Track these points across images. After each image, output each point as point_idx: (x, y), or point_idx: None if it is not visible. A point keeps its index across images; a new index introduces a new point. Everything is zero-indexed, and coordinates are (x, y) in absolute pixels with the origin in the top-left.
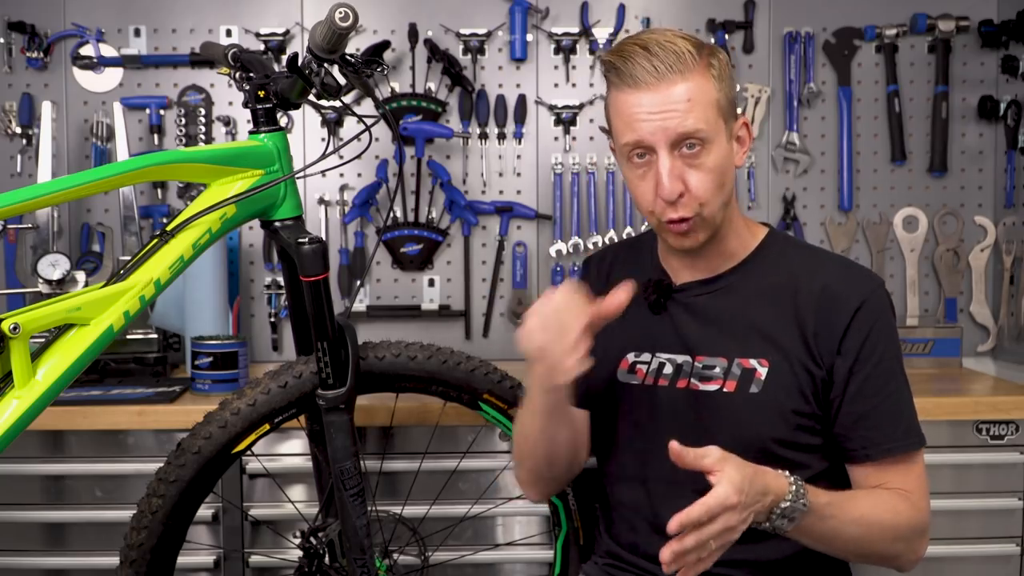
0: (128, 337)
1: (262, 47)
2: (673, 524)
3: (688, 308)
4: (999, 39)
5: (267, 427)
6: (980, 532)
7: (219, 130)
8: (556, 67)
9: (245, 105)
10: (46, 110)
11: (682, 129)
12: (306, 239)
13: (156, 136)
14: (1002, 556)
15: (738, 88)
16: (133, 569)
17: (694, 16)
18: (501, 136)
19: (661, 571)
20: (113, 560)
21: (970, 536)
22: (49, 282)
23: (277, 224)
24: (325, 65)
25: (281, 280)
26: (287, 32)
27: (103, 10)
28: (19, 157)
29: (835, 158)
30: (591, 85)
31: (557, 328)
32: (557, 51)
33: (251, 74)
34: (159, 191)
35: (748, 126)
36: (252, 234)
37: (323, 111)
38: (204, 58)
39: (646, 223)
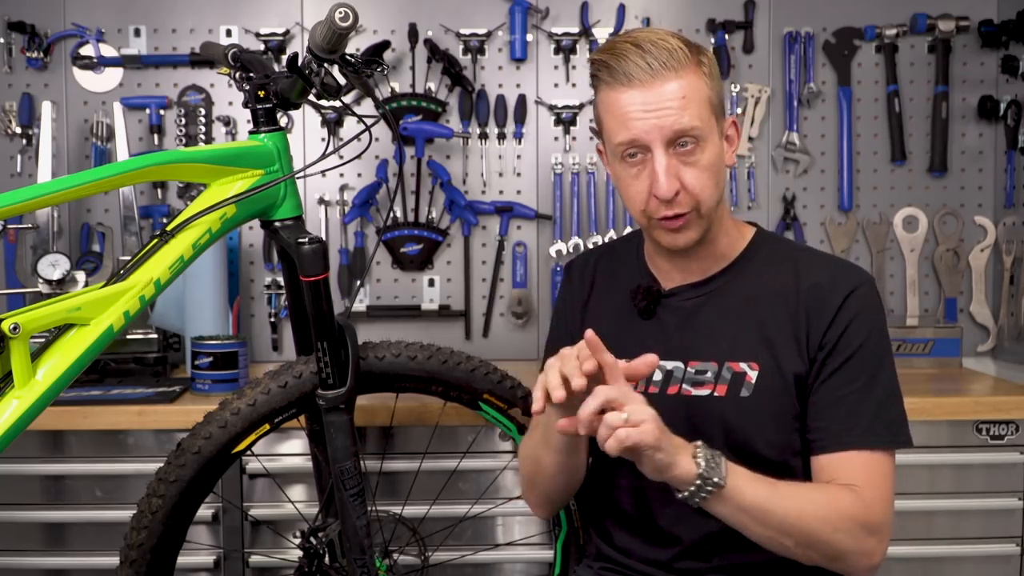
0: (128, 337)
1: (262, 47)
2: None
3: (678, 313)
4: (999, 39)
5: (267, 427)
6: (980, 532)
7: (219, 130)
8: (556, 67)
9: (245, 105)
10: (46, 110)
11: (678, 127)
12: (306, 239)
13: (156, 136)
14: (1002, 556)
15: (738, 88)
16: (133, 569)
17: (694, 16)
18: (501, 136)
19: (657, 573)
20: (113, 560)
21: (970, 536)
22: (49, 282)
23: (277, 224)
24: (325, 65)
25: (281, 280)
26: (287, 32)
27: (103, 10)
28: (19, 157)
29: (835, 158)
30: (591, 85)
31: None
32: (557, 51)
33: (251, 74)
34: (159, 191)
35: (736, 125)
36: (252, 234)
37: (323, 111)
38: (204, 58)
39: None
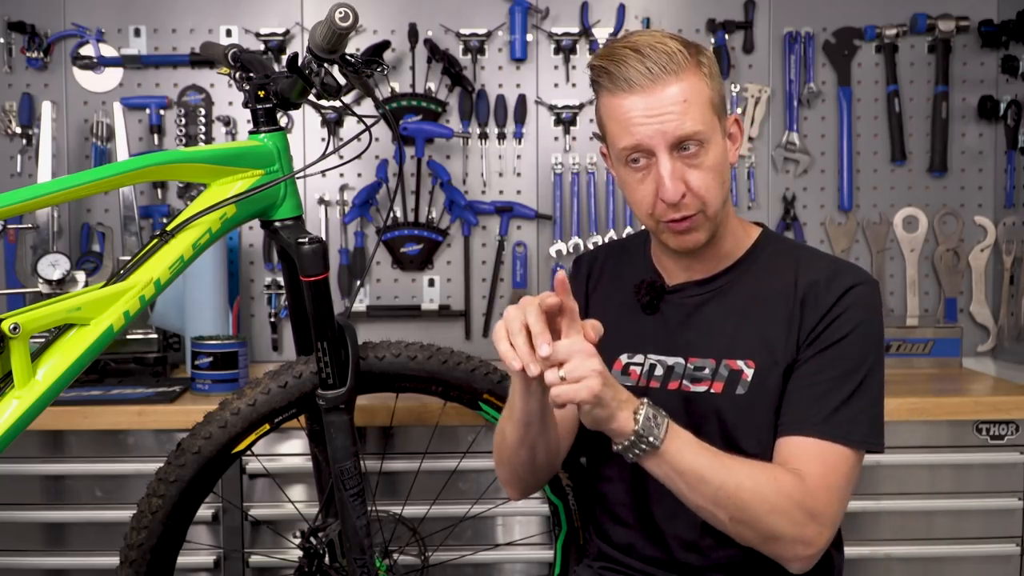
0: (128, 337)
1: (262, 47)
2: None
3: (680, 309)
4: (999, 39)
5: (267, 427)
6: (980, 532)
7: (219, 130)
8: (556, 67)
9: (245, 105)
10: (46, 110)
11: (680, 132)
12: (306, 239)
13: (156, 136)
14: (1002, 556)
15: (738, 88)
16: (133, 569)
17: (694, 16)
18: (501, 136)
19: (656, 571)
20: (113, 560)
21: (970, 536)
22: (49, 282)
23: (277, 224)
24: (325, 65)
25: (281, 280)
26: (287, 32)
27: (103, 10)
28: (19, 157)
29: (835, 158)
30: (592, 89)
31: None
32: (557, 51)
33: (251, 74)
34: (159, 191)
35: (739, 123)
36: (252, 234)
37: (323, 111)
38: (204, 58)
39: (628, 227)
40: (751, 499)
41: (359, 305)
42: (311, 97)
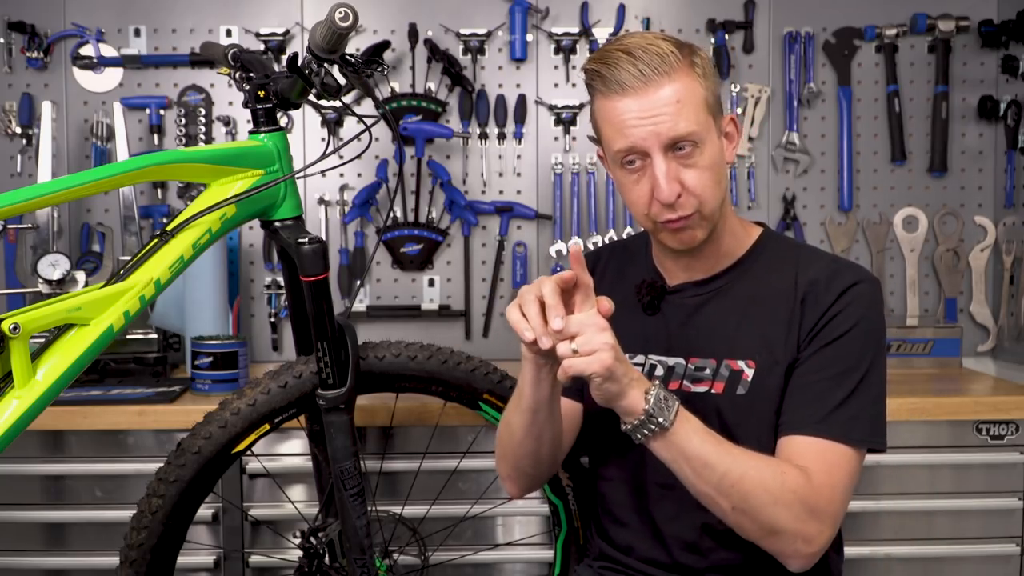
0: (128, 337)
1: (262, 47)
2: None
3: (681, 309)
4: (999, 39)
5: (267, 427)
6: (980, 532)
7: (219, 130)
8: (556, 67)
9: (245, 105)
10: (46, 110)
11: (674, 133)
12: (306, 239)
13: (156, 136)
14: (1002, 556)
15: (738, 88)
16: (133, 569)
17: (694, 16)
18: (501, 136)
19: (656, 571)
20: (113, 560)
21: (970, 536)
22: (49, 282)
23: (277, 224)
24: (325, 65)
25: (281, 280)
26: (287, 32)
27: (103, 10)
28: (19, 157)
29: (835, 158)
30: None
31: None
32: (557, 51)
33: (251, 74)
34: (159, 191)
35: (735, 122)
36: (252, 234)
37: (323, 111)
38: (204, 58)
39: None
40: (754, 489)
41: (359, 305)
42: (311, 97)
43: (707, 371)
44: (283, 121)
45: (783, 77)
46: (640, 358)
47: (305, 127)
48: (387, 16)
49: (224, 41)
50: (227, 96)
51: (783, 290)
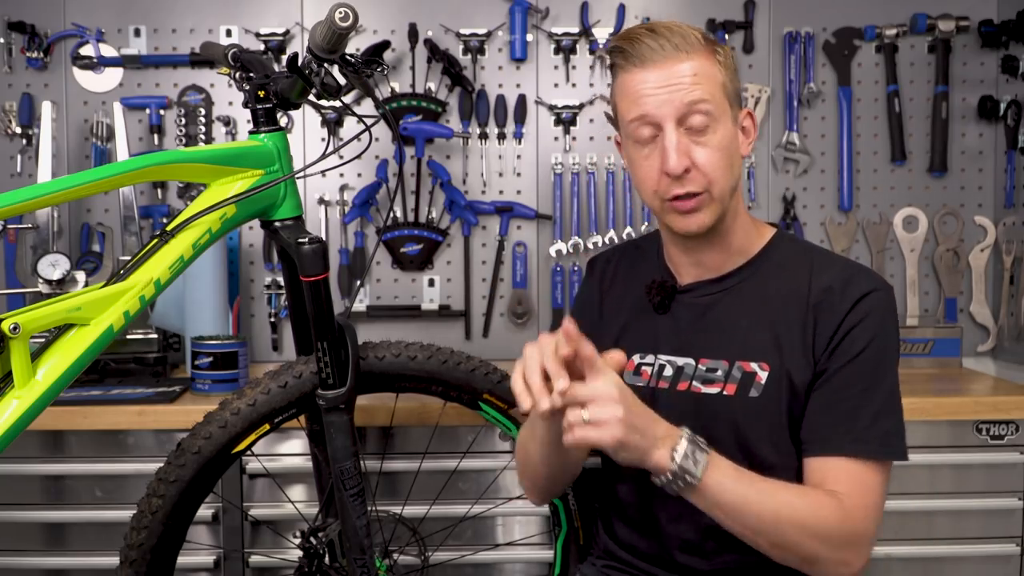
0: (128, 337)
1: (262, 47)
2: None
3: (692, 309)
4: (999, 39)
5: (267, 427)
6: (980, 532)
7: (219, 130)
8: (556, 67)
9: (245, 105)
10: (46, 110)
11: (688, 99)
12: (306, 239)
13: (156, 136)
14: (1002, 556)
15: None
16: (133, 569)
17: (694, 16)
18: (501, 136)
19: (659, 571)
20: (113, 560)
21: (970, 536)
22: (49, 282)
23: (277, 224)
24: (325, 65)
25: (281, 280)
26: (287, 32)
27: (103, 10)
28: (19, 157)
29: (835, 158)
30: (591, 85)
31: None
32: (557, 51)
33: (251, 74)
34: (159, 191)
35: (752, 117)
36: (252, 234)
37: (323, 111)
38: (204, 58)
39: (646, 225)
40: (790, 526)
41: (359, 305)
42: (311, 97)
43: (719, 372)
44: (283, 121)
45: (783, 77)
46: (650, 358)
47: (305, 127)
48: (387, 16)
49: (224, 41)
50: (227, 96)
51: (796, 292)
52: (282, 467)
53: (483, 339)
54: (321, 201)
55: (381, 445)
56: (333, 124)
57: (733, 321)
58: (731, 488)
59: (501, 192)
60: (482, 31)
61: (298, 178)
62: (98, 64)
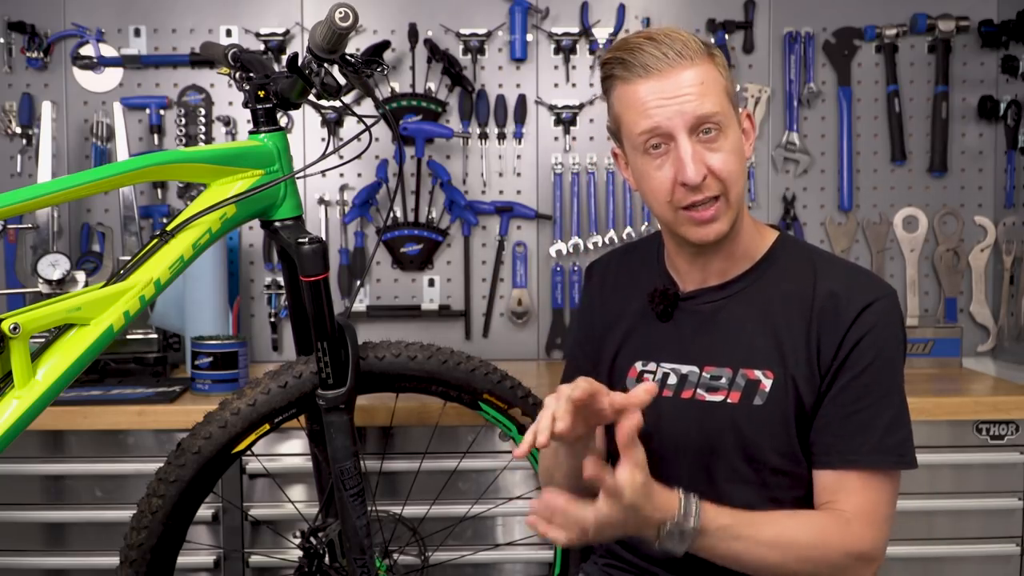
0: (128, 337)
1: (262, 47)
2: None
3: (695, 316)
4: (999, 39)
5: (267, 427)
6: (980, 532)
7: (219, 130)
8: (556, 67)
9: (245, 105)
10: (46, 110)
11: (700, 112)
12: (306, 239)
13: (156, 136)
14: (1002, 556)
15: (738, 88)
16: (133, 569)
17: (694, 16)
18: (501, 136)
19: (661, 571)
20: (113, 560)
21: (970, 536)
22: (49, 282)
23: (277, 224)
24: (325, 65)
25: (281, 280)
26: (287, 32)
27: (103, 10)
28: (19, 157)
29: (835, 158)
30: (591, 85)
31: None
32: (557, 51)
33: (251, 74)
34: (159, 191)
35: (751, 118)
36: (252, 234)
37: (323, 111)
38: (204, 58)
39: (646, 225)
40: (798, 562)
41: (359, 305)
42: (311, 97)
43: (723, 380)
44: (283, 121)
45: (783, 77)
46: (652, 365)
47: (305, 127)
48: (387, 16)
49: (224, 41)
50: (227, 96)
51: (800, 297)
52: (282, 467)
53: (483, 339)
54: (321, 201)
55: (381, 445)
56: (333, 124)
57: (737, 328)
58: (723, 548)
59: (501, 192)
60: (482, 31)
61: (298, 178)
62: (98, 64)
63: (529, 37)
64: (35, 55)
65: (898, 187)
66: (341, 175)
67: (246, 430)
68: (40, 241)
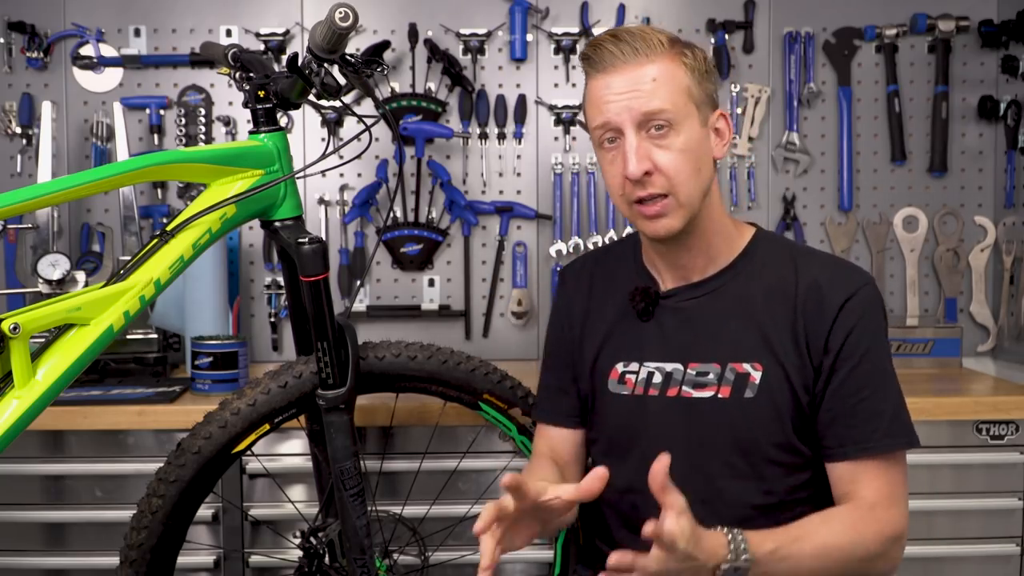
0: (128, 337)
1: (262, 47)
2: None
3: (677, 314)
4: (999, 39)
5: (267, 427)
6: (980, 532)
7: (219, 130)
8: (556, 67)
9: (245, 105)
10: (46, 110)
11: (648, 108)
12: (306, 239)
13: (156, 136)
14: (1002, 556)
15: (738, 88)
16: (133, 569)
17: (694, 16)
18: (501, 136)
19: None
20: (113, 560)
21: (970, 536)
22: (49, 282)
23: (277, 224)
24: (325, 65)
25: (281, 280)
26: (287, 32)
27: (103, 10)
28: (19, 157)
29: (835, 158)
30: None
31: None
32: (557, 51)
33: (251, 74)
34: (159, 191)
35: (727, 118)
36: (252, 234)
37: (323, 111)
38: (204, 58)
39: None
40: (839, 563)
41: (359, 305)
42: (311, 97)
43: (710, 376)
44: (283, 121)
45: (783, 77)
46: (635, 365)
47: (305, 127)
48: (387, 16)
49: (224, 41)
50: (227, 96)
51: (782, 291)
52: (282, 467)
53: (483, 339)
54: (321, 201)
55: (381, 445)
56: (333, 124)
57: (721, 323)
58: (771, 573)
59: (501, 192)
60: (482, 31)
61: (298, 178)
62: (98, 64)
63: (529, 37)
64: (35, 55)
65: (898, 187)
66: (341, 175)
67: (246, 430)
68: (40, 241)
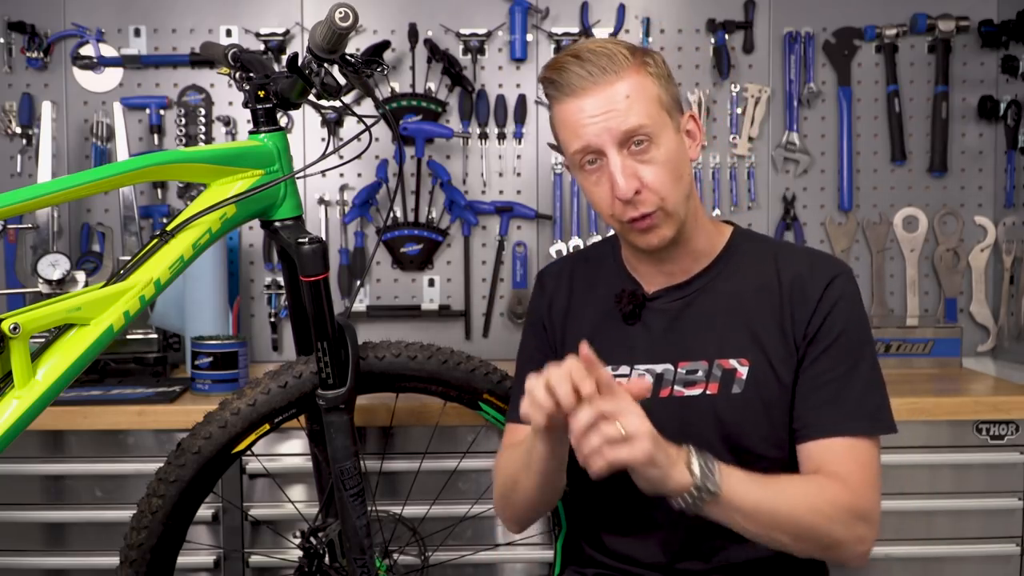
0: (128, 337)
1: (262, 47)
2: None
3: (663, 315)
4: (999, 39)
5: (267, 427)
6: (980, 532)
7: (219, 130)
8: None
9: (245, 105)
10: (46, 110)
11: (626, 126)
12: (306, 239)
13: (156, 136)
14: (1002, 556)
15: (738, 88)
16: (133, 569)
17: (694, 16)
18: (501, 136)
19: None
20: (113, 560)
21: (970, 536)
22: (49, 282)
23: (277, 224)
24: (325, 65)
25: (281, 280)
26: (287, 32)
27: (103, 10)
28: (19, 157)
29: (835, 158)
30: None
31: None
32: (557, 51)
33: (251, 74)
34: (159, 191)
35: (695, 119)
36: (252, 234)
37: (323, 111)
38: (204, 58)
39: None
40: (807, 516)
41: (359, 305)
42: (311, 97)
43: (699, 373)
44: (283, 121)
45: (783, 77)
46: (625, 368)
47: (305, 127)
48: (387, 16)
49: (224, 41)
50: (227, 96)
51: (766, 286)
52: (282, 467)
53: (483, 339)
54: (321, 201)
55: (381, 445)
56: (333, 124)
57: (707, 322)
58: (743, 492)
59: (501, 192)
60: (482, 31)
61: (298, 178)
62: (98, 64)
63: (529, 37)
64: (35, 55)
65: (898, 187)
66: (341, 175)
67: (246, 430)
68: (40, 241)
